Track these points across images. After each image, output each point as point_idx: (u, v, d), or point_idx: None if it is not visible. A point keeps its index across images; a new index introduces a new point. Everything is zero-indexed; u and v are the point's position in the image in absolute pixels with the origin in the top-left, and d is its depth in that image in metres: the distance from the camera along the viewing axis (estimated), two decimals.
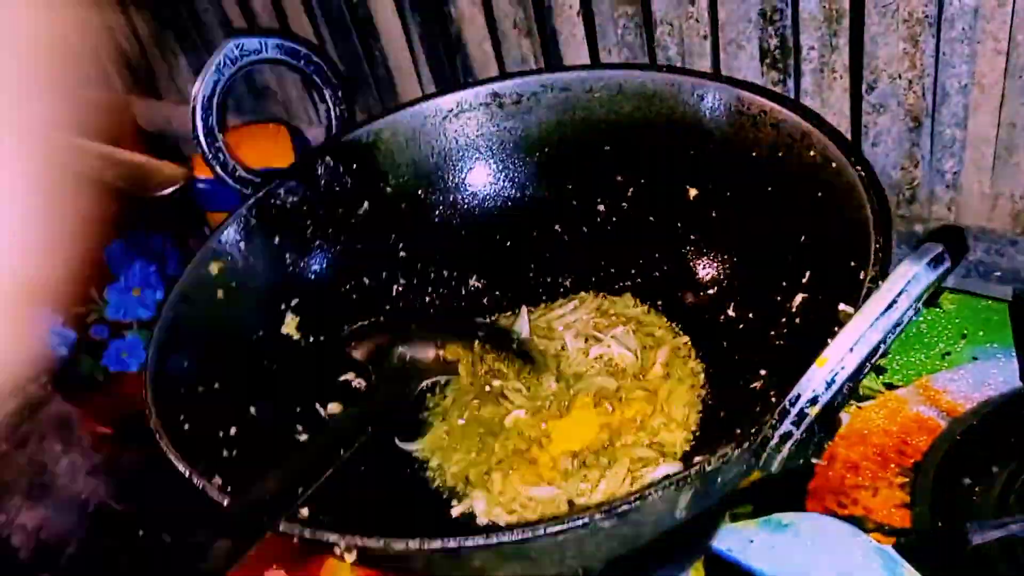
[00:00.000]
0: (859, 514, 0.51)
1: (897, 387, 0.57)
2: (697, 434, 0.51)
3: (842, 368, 0.32)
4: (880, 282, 0.35)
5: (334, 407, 0.55)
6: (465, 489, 0.51)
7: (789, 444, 0.33)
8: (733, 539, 0.51)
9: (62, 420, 0.83)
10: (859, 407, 0.56)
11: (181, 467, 0.41)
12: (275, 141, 0.72)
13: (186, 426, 0.46)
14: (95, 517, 0.74)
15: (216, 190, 0.72)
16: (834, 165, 0.48)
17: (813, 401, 0.32)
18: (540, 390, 0.55)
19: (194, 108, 0.55)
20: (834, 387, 0.32)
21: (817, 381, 0.32)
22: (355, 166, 0.60)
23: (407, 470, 0.54)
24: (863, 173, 0.46)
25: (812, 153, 0.49)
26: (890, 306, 0.31)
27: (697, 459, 0.35)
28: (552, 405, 0.54)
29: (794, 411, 0.32)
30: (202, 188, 0.70)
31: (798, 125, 0.50)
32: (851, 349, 0.31)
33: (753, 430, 0.35)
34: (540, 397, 0.55)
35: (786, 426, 0.33)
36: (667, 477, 0.34)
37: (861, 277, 0.42)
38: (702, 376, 0.54)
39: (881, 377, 0.57)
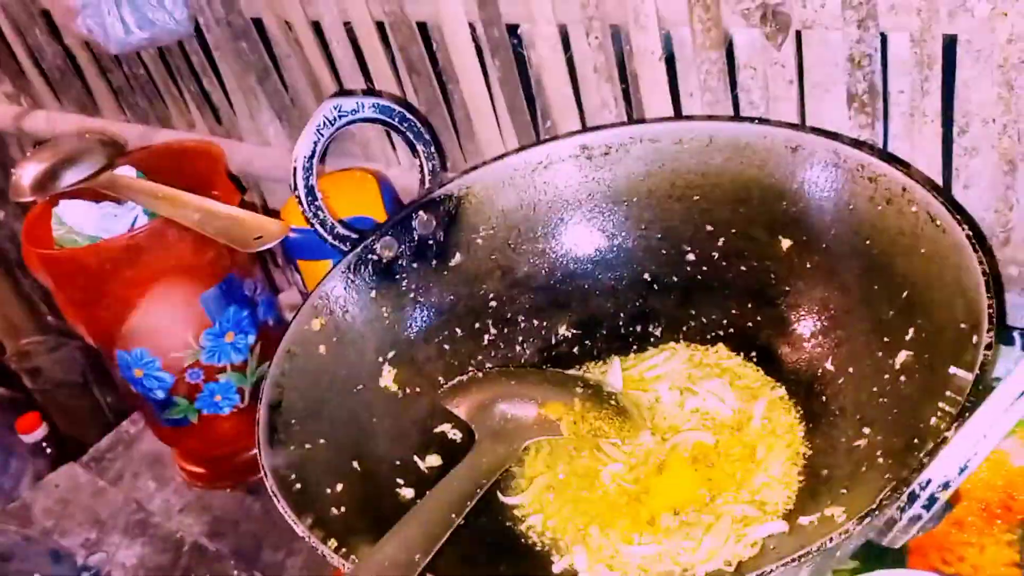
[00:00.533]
0: (965, 572, 0.50)
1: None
2: (798, 491, 0.51)
3: (975, 455, 0.31)
4: (993, 347, 0.34)
5: (433, 459, 0.56)
6: (564, 545, 0.51)
7: (918, 526, 0.33)
8: None
9: (155, 458, 0.86)
10: None
11: (300, 530, 0.42)
12: (363, 189, 0.73)
13: (297, 486, 0.47)
14: (190, 555, 0.76)
15: (307, 239, 0.74)
16: (938, 223, 0.47)
17: (945, 486, 0.32)
18: (636, 444, 0.55)
19: (295, 169, 0.56)
20: (966, 472, 0.32)
21: (950, 466, 0.32)
22: (447, 219, 0.61)
23: (505, 524, 0.54)
24: (969, 232, 0.45)
25: (914, 209, 0.49)
26: (1021, 395, 0.31)
27: (821, 536, 0.35)
28: (649, 460, 0.54)
29: (924, 495, 0.32)
30: (293, 237, 0.71)
31: (898, 180, 0.50)
32: (984, 436, 0.31)
33: (875, 504, 0.35)
34: (636, 452, 0.55)
35: (916, 510, 0.32)
36: (798, 553, 0.34)
37: (974, 341, 0.42)
38: (801, 431, 0.54)
39: None
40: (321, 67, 0.89)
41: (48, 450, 1.22)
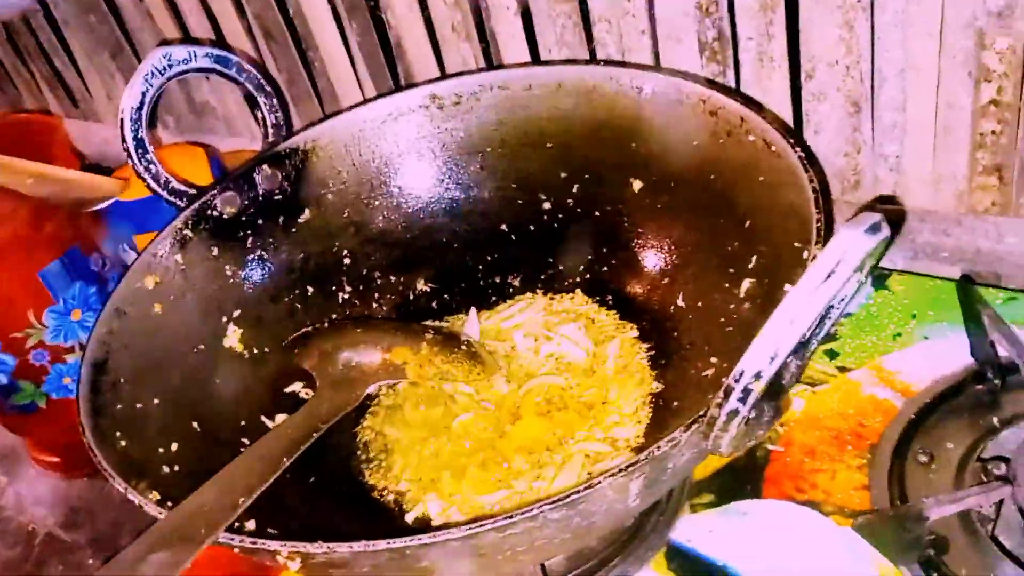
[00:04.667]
0: (818, 498, 0.50)
1: (850, 370, 0.57)
2: (650, 426, 0.50)
3: (784, 341, 0.31)
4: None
5: (281, 419, 0.54)
6: (417, 495, 0.50)
7: (736, 422, 0.32)
8: (692, 530, 0.51)
9: (7, 451, 0.81)
10: (813, 392, 0.56)
11: (116, 483, 0.39)
12: (192, 162, 0.70)
13: (122, 443, 0.44)
14: (43, 547, 0.71)
15: (146, 210, 0.71)
16: (774, 148, 0.47)
17: (757, 376, 0.31)
18: (490, 392, 0.54)
19: (122, 120, 0.53)
20: (777, 361, 0.31)
21: (759, 356, 0.31)
22: (294, 174, 0.59)
23: (356, 481, 0.52)
24: (802, 154, 0.45)
25: (752, 138, 0.49)
26: (828, 276, 0.30)
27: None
28: (503, 406, 0.53)
29: (739, 388, 0.31)
30: (133, 208, 0.68)
31: (737, 111, 0.50)
32: (791, 322, 0.31)
33: (701, 413, 0.35)
34: (490, 399, 0.54)
35: (732, 403, 0.32)
36: (626, 463, 0.34)
37: (805, 256, 0.42)
38: (652, 369, 0.53)
39: (834, 361, 0.57)
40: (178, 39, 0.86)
41: None
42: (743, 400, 0.32)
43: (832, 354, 0.58)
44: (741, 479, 0.52)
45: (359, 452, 0.54)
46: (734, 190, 0.51)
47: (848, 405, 0.55)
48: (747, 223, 0.50)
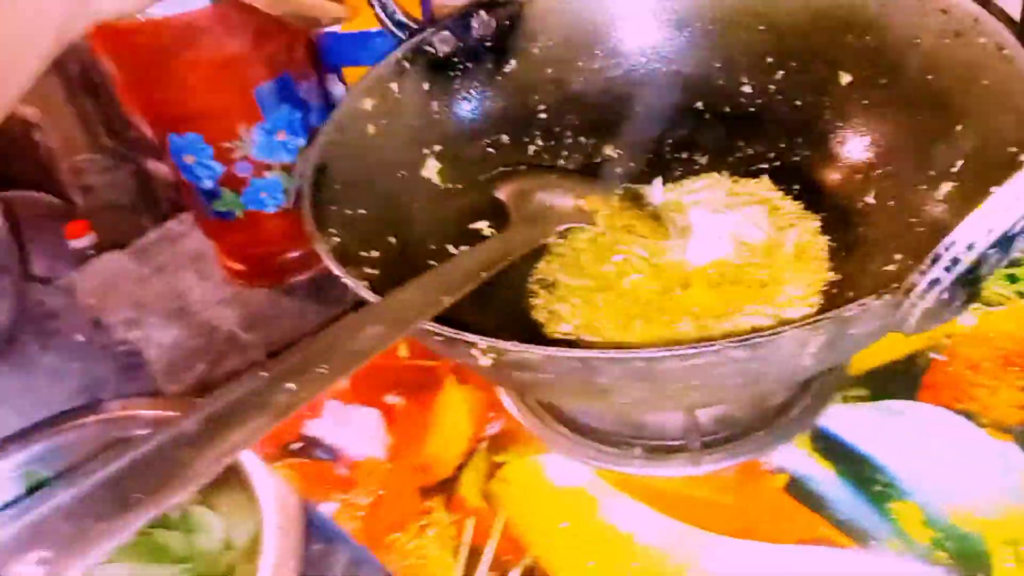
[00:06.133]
0: (975, 410, 0.51)
1: None
2: (819, 310, 0.51)
3: (1000, 221, 0.32)
4: None
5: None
6: (581, 336, 0.53)
7: (935, 292, 0.33)
8: (842, 418, 0.52)
9: (199, 254, 0.88)
10: (988, 311, 0.56)
11: (332, 266, 0.44)
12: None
13: (336, 238, 0.48)
14: (224, 343, 0.79)
15: (357, 44, 0.74)
16: (1006, 52, 0.46)
17: (970, 247, 0.32)
18: (664, 257, 0.56)
19: None
20: (993, 235, 0.32)
21: (977, 227, 0.32)
22: (507, 24, 0.61)
23: (525, 312, 0.56)
24: None
25: (983, 40, 0.48)
26: None
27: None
28: (675, 272, 0.55)
29: (947, 256, 0.32)
30: (345, 41, 0.72)
31: (970, 10, 0.49)
32: (1015, 201, 0.31)
33: (895, 285, 0.36)
34: (663, 265, 0.56)
35: (938, 271, 0.33)
36: (804, 317, 0.35)
37: (1021, 158, 0.41)
38: (831, 261, 0.54)
39: (1014, 285, 0.57)
40: None
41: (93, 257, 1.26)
42: (948, 269, 0.33)
43: (1013, 279, 0.57)
44: (898, 380, 0.53)
45: (533, 289, 0.57)
46: (951, 92, 0.50)
47: (1021, 328, 0.54)
48: (959, 126, 0.49)
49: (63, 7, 0.46)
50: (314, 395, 0.36)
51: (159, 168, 1.24)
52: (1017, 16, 0.58)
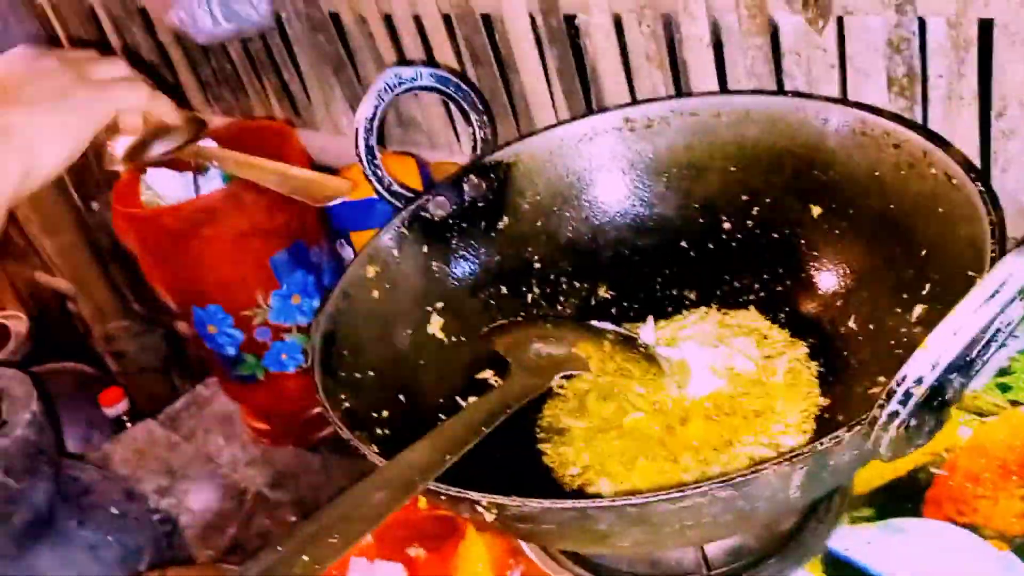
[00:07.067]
0: (978, 522, 0.52)
1: (1022, 404, 0.57)
2: (814, 439, 0.53)
3: (946, 352, 0.34)
4: None
5: (472, 400, 0.60)
6: (590, 477, 0.55)
7: (896, 424, 0.35)
8: (851, 540, 0.53)
9: (225, 416, 0.92)
10: (982, 422, 0.57)
11: (343, 432, 0.47)
12: (405, 169, 0.79)
13: (346, 404, 0.51)
14: (253, 503, 0.81)
15: (359, 210, 0.80)
16: (955, 182, 0.50)
17: (918, 381, 0.34)
18: (661, 394, 0.58)
19: (357, 129, 0.62)
20: (938, 369, 0.34)
21: (922, 363, 0.34)
22: (496, 184, 0.66)
23: (534, 457, 0.58)
24: (982, 188, 0.48)
25: (933, 171, 0.51)
26: (993, 295, 0.33)
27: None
28: (673, 408, 0.57)
29: (900, 391, 0.35)
30: (351, 208, 0.77)
31: (920, 145, 0.53)
32: (954, 333, 0.34)
33: (864, 417, 0.38)
34: (661, 400, 0.58)
35: (893, 405, 0.35)
36: (791, 455, 0.37)
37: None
38: (820, 386, 0.56)
39: (1006, 394, 0.58)
40: (392, 58, 0.95)
41: (128, 424, 1.30)
42: (903, 403, 0.35)
43: (1004, 388, 0.59)
44: (902, 497, 0.54)
45: (539, 435, 0.59)
46: (912, 220, 0.53)
47: (1017, 437, 0.56)
48: (923, 252, 0.52)
49: (19, 167, 0.49)
50: (327, 565, 0.38)
51: (188, 329, 1.29)
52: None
